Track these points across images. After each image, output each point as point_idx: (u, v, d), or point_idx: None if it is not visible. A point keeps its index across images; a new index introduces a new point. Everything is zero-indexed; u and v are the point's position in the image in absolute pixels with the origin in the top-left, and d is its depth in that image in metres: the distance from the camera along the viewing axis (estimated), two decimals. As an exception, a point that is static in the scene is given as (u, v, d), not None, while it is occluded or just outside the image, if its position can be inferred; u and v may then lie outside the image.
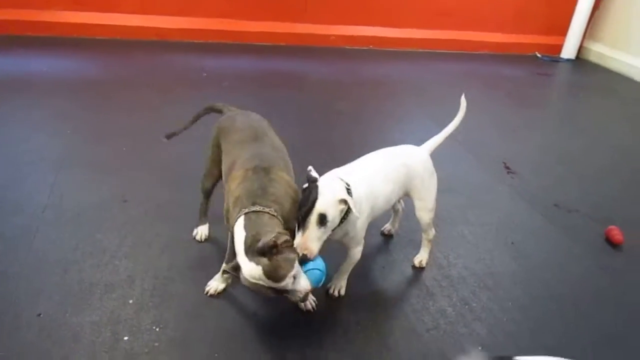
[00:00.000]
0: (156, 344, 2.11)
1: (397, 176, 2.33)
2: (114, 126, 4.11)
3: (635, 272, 2.90)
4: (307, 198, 1.94)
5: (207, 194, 2.67)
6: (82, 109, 4.37)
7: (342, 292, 2.42)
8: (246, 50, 6.39)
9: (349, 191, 2.03)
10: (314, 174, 2.05)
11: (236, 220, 1.94)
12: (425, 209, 2.52)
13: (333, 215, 1.94)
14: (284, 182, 2.08)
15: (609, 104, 6.09)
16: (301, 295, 1.89)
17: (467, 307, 2.45)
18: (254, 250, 1.81)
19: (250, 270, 1.83)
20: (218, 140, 2.41)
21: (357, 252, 2.31)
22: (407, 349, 2.17)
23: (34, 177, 3.28)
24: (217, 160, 2.43)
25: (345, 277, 2.41)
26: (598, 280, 2.78)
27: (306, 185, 2.02)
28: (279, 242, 1.80)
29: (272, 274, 1.79)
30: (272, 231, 1.85)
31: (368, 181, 2.20)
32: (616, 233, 3.08)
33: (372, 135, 4.44)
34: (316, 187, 1.95)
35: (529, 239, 3.08)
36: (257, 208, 1.93)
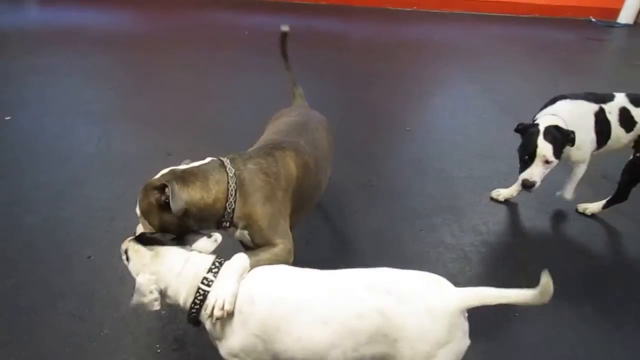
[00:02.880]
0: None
1: None
2: (157, 81, 4.17)
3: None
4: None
5: None
6: (127, 63, 4.44)
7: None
8: (288, 9, 6.30)
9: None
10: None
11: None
12: None
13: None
14: (280, 164, 1.74)
15: (667, 74, 5.77)
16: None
17: (502, 275, 2.44)
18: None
19: None
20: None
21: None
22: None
23: (82, 128, 3.39)
24: None
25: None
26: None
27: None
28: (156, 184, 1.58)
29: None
30: (173, 174, 1.60)
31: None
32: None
33: (412, 98, 4.36)
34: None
35: (572, 209, 3.00)
36: (225, 157, 1.70)
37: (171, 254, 1.54)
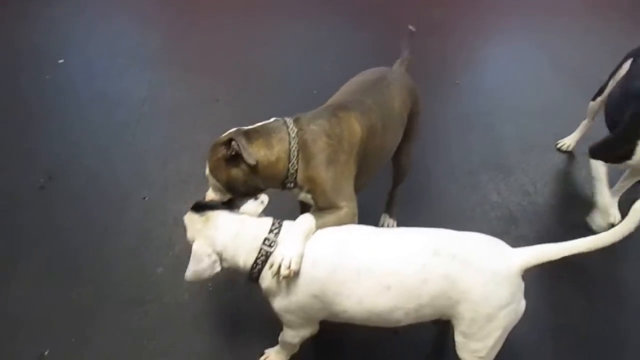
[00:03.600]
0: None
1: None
2: (206, 25, 4.15)
3: None
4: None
5: None
6: (176, 5, 4.42)
7: None
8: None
9: None
10: None
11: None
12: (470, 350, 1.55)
13: None
14: (344, 125, 1.68)
15: None
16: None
17: (550, 236, 2.41)
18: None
19: None
20: None
21: None
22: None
23: (132, 72, 3.45)
24: None
25: None
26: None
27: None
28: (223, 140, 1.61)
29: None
30: (245, 131, 1.61)
31: None
32: None
33: (464, 50, 4.20)
34: None
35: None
36: (288, 118, 1.69)
37: (223, 217, 1.56)
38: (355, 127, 1.68)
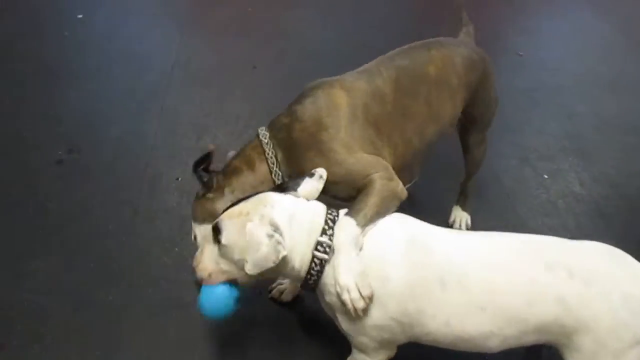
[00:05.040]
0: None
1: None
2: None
3: None
4: None
5: None
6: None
7: None
8: None
9: None
10: None
11: None
12: None
13: None
14: (322, 101, 1.41)
15: None
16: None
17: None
18: None
19: None
20: None
21: None
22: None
23: (160, 32, 3.10)
24: None
25: None
26: None
27: None
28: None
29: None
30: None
31: None
32: None
33: (526, 19, 3.78)
34: None
35: None
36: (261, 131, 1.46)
37: (275, 197, 1.23)
38: (336, 98, 1.40)
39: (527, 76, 3.10)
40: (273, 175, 1.40)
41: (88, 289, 1.71)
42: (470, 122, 1.78)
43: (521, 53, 3.29)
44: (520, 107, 2.80)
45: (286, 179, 1.39)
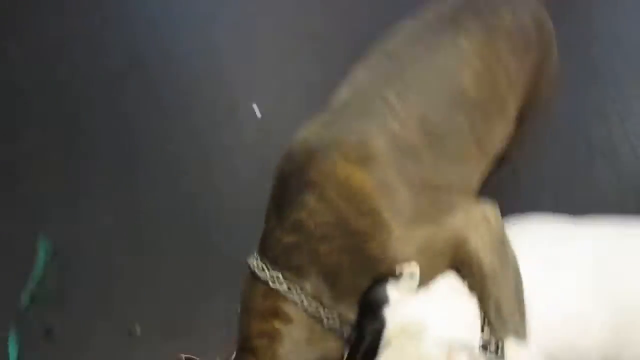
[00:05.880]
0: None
1: None
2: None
3: None
4: None
5: None
6: None
7: None
8: None
9: None
10: None
11: None
12: None
13: None
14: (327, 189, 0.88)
15: None
16: None
17: None
18: None
19: None
20: None
21: None
22: None
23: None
24: None
25: None
26: None
27: None
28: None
29: None
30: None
31: None
32: None
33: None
34: None
35: None
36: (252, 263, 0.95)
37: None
38: (353, 182, 0.87)
39: (590, 47, 2.52)
40: (324, 322, 0.91)
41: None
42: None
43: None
44: (584, 86, 2.14)
45: (337, 318, 0.91)
